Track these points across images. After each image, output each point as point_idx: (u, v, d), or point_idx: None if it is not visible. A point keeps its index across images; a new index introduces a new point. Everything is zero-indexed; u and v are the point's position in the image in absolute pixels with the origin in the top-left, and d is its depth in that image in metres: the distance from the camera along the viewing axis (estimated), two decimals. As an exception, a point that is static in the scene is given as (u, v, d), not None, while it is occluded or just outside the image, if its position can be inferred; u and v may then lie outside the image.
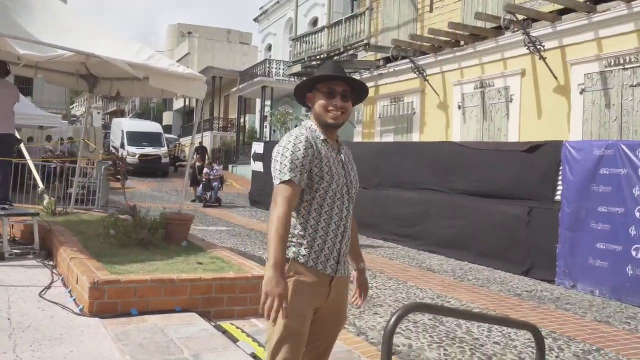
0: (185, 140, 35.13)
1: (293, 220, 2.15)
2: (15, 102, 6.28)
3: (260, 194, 16.89)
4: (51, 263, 5.87)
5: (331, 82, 2.24)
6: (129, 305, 4.25)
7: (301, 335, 2.13)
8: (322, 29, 15.72)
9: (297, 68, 16.57)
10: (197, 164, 17.10)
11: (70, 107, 56.92)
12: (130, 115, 50.74)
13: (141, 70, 5.80)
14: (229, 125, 33.19)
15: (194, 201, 16.32)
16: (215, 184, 16.23)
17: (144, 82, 6.54)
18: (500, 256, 8.52)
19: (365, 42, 13.58)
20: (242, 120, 28.64)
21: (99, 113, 43.03)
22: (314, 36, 16.10)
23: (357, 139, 16.41)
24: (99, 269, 4.53)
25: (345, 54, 14.89)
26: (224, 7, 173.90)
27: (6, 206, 6.57)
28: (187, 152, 32.23)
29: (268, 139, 24.46)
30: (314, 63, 15.83)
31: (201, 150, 20.84)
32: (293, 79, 22.72)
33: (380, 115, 15.58)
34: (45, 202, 8.11)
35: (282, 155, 2.14)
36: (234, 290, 4.62)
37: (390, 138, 15.04)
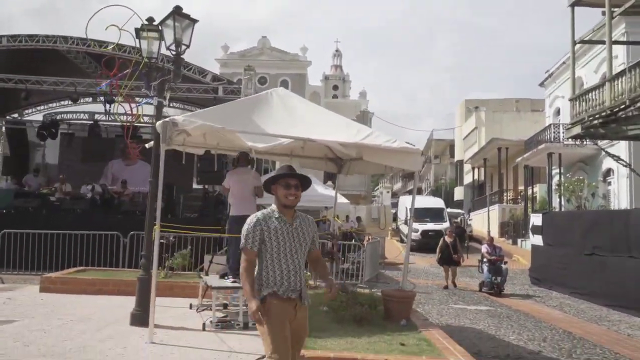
0: (475, 214, 34.63)
1: (263, 270, 3.34)
2: (255, 184, 7.01)
3: (541, 270, 15.20)
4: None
5: (287, 178, 3.41)
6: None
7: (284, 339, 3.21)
8: (603, 84, 13.88)
9: (577, 129, 14.82)
10: (448, 239, 14.27)
11: (376, 188, 62.48)
12: (426, 192, 52.81)
13: (353, 148, 6.05)
14: (518, 197, 31.41)
15: (446, 287, 13.55)
16: (504, 265, 13.08)
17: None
18: None
19: (655, 90, 11.43)
20: (530, 190, 26.88)
21: (387, 192, 46.22)
22: (593, 93, 14.32)
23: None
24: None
25: (633, 107, 12.74)
26: (513, 80, 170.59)
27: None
28: (473, 226, 31.61)
29: (558, 209, 22.25)
30: (595, 122, 13.99)
31: (457, 229, 19.21)
32: (582, 143, 20.52)
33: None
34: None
35: (244, 229, 3.36)
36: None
37: None
